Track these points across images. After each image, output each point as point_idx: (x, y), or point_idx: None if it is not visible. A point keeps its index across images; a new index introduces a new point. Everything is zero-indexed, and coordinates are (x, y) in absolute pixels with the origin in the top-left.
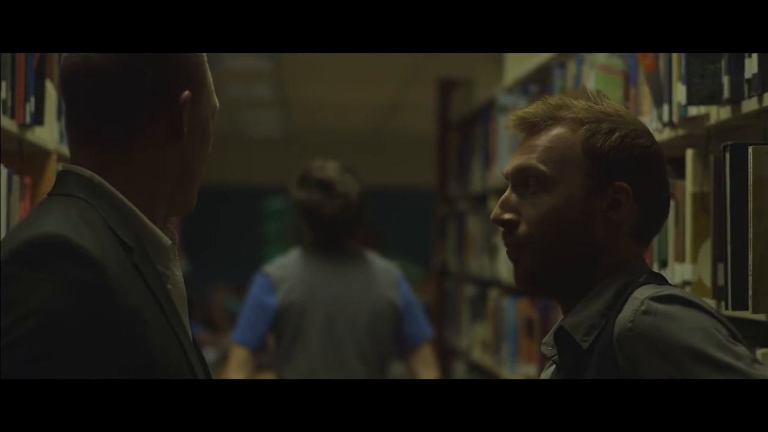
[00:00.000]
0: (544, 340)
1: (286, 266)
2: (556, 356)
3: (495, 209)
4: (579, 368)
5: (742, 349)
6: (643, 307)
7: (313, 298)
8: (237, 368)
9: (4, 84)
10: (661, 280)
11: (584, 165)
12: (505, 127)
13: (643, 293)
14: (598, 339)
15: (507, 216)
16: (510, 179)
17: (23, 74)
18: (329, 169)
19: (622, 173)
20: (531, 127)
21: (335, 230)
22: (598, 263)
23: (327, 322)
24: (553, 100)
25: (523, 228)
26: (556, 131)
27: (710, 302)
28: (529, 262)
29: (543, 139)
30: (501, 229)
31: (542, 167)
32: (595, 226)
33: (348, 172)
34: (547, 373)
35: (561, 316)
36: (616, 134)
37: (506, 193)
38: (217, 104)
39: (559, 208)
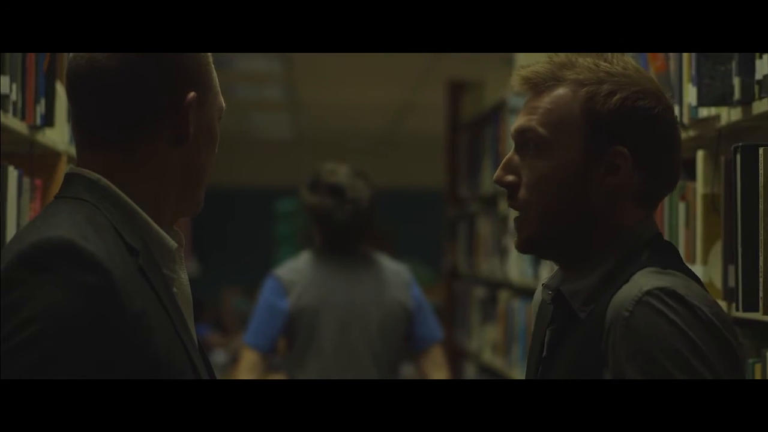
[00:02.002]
0: (546, 282)
1: (297, 270)
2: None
3: (498, 170)
4: (570, 334)
5: (722, 367)
6: (644, 299)
7: (326, 301)
8: (248, 371)
9: (14, 85)
10: (667, 254)
11: (583, 128)
12: (509, 86)
13: (646, 281)
14: (594, 309)
15: (508, 178)
16: (514, 140)
17: (33, 75)
18: (340, 173)
19: (622, 137)
20: (533, 87)
21: (346, 235)
22: (598, 227)
23: (340, 326)
24: (559, 58)
25: (522, 192)
26: (558, 92)
27: (721, 304)
28: (529, 228)
29: (545, 101)
30: (511, 227)
31: (541, 130)
32: (592, 191)
33: (359, 177)
34: (539, 298)
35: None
36: (617, 96)
37: (509, 154)
38: (224, 105)
39: (556, 172)
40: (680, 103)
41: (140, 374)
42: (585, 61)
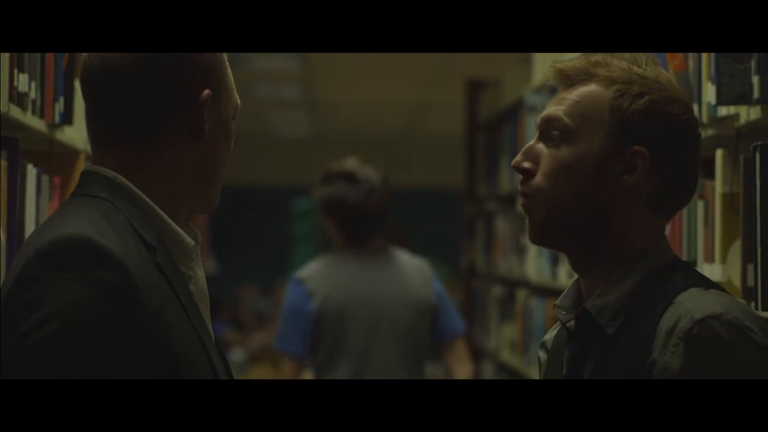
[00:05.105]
0: (558, 303)
1: (320, 272)
2: (572, 322)
3: (518, 155)
4: (604, 352)
5: None
6: (695, 330)
7: (353, 302)
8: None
9: (33, 84)
10: (699, 274)
11: (607, 124)
12: (543, 78)
13: (693, 305)
14: (624, 325)
15: (526, 164)
16: (538, 128)
17: (52, 74)
18: (348, 163)
19: (644, 138)
20: (566, 80)
21: (363, 220)
22: (611, 226)
23: (368, 326)
24: (595, 57)
25: (537, 179)
26: (588, 87)
27: None
28: (539, 215)
29: (574, 93)
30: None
31: (566, 119)
32: (608, 188)
33: (368, 164)
34: (551, 336)
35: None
36: (645, 98)
37: (531, 142)
38: (239, 103)
39: (574, 162)
40: (699, 102)
41: (158, 371)
42: (620, 63)
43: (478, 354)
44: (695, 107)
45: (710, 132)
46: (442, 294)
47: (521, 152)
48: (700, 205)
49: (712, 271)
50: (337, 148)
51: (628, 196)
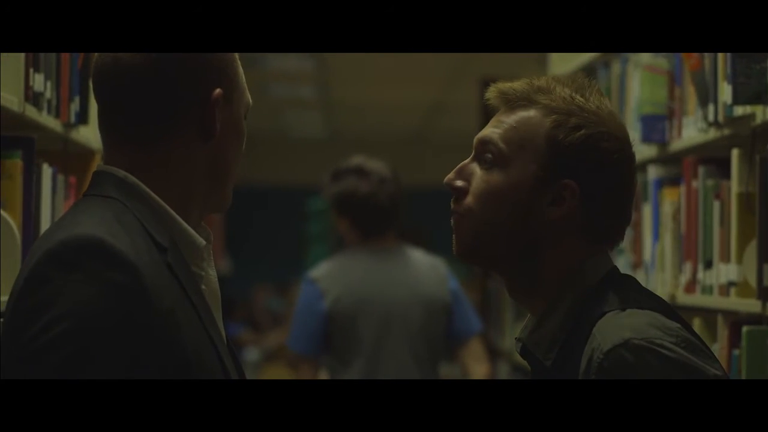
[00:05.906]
0: (517, 336)
1: (332, 271)
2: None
3: (450, 173)
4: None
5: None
6: (605, 365)
7: (365, 302)
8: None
9: (48, 83)
10: (623, 290)
11: (540, 155)
12: (485, 98)
13: (604, 338)
14: (560, 356)
15: (458, 182)
16: (474, 148)
17: (68, 74)
18: (356, 159)
19: (576, 172)
20: (507, 102)
21: (376, 213)
22: (539, 256)
23: (380, 325)
24: (539, 81)
25: (468, 199)
26: (527, 113)
27: (755, 303)
28: (466, 235)
29: (512, 118)
30: None
31: (501, 144)
32: (534, 218)
33: (375, 159)
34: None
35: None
36: (581, 132)
37: (466, 160)
38: (251, 102)
39: (504, 189)
40: (715, 102)
41: (169, 372)
42: (562, 91)
43: (493, 354)
44: (711, 107)
45: (726, 132)
46: (457, 293)
47: (454, 170)
48: (716, 205)
49: (728, 270)
50: (351, 148)
51: (553, 227)
